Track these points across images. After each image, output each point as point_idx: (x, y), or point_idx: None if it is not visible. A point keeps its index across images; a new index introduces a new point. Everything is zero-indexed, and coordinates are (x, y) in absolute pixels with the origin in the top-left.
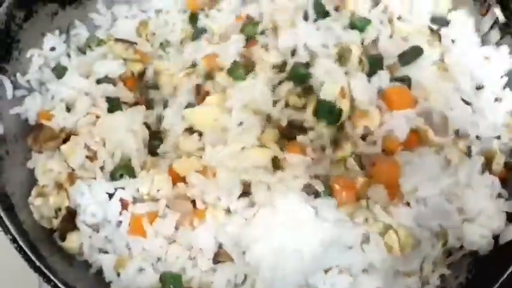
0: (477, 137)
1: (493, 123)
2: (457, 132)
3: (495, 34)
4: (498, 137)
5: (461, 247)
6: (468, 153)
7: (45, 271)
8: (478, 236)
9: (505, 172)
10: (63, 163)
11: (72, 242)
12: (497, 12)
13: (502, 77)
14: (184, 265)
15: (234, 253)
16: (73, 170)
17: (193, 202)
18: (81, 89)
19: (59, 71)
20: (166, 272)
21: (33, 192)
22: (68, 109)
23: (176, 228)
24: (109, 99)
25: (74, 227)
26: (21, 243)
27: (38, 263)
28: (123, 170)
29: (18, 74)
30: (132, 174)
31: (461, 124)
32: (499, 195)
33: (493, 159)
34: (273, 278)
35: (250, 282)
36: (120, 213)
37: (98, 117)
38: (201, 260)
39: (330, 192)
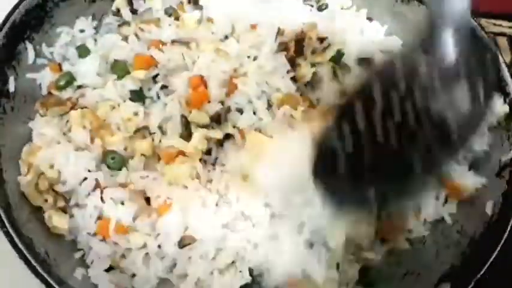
0: None
1: None
2: None
3: None
4: None
5: None
6: None
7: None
8: None
9: None
10: (58, 131)
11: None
12: None
13: None
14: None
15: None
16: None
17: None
18: (97, 71)
19: (82, 51)
20: None
21: (24, 148)
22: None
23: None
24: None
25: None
26: None
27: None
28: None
29: (43, 45)
30: (121, 165)
31: None
32: None
33: None
34: None
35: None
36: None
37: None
38: (167, 245)
39: None
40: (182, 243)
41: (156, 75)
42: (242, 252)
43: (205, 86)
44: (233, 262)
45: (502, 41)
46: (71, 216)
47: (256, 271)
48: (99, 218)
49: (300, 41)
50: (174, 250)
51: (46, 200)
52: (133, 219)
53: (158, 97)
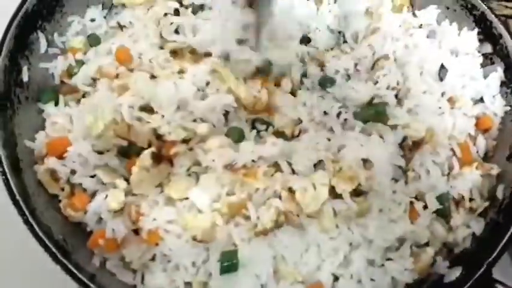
0: None
1: None
2: None
3: None
4: None
5: None
6: None
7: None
8: None
9: None
10: (68, 119)
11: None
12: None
13: None
14: None
15: None
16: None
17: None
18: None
19: (93, 40)
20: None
21: (38, 137)
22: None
23: None
24: None
25: None
26: (9, 175)
27: (17, 194)
28: None
29: (55, 34)
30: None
31: None
32: None
33: None
34: None
35: None
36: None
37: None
38: None
39: None
40: None
41: None
42: None
43: None
44: None
45: None
46: None
47: None
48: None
49: None
50: None
51: (62, 189)
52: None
53: None
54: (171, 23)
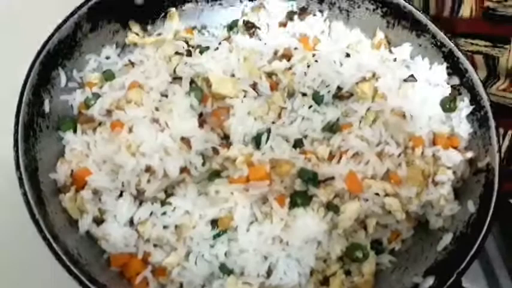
0: None
1: None
2: None
3: None
4: None
5: None
6: None
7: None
8: None
9: None
10: (86, 145)
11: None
12: None
13: None
14: None
15: None
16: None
17: None
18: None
19: (108, 75)
20: None
21: (59, 162)
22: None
23: None
24: None
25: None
26: (29, 195)
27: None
28: None
29: (74, 70)
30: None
31: None
32: None
33: None
34: None
35: None
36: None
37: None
38: None
39: None
40: None
41: None
42: None
43: None
44: None
45: (478, 59)
46: None
47: None
48: None
49: None
50: None
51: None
52: None
53: None
54: (186, 63)
